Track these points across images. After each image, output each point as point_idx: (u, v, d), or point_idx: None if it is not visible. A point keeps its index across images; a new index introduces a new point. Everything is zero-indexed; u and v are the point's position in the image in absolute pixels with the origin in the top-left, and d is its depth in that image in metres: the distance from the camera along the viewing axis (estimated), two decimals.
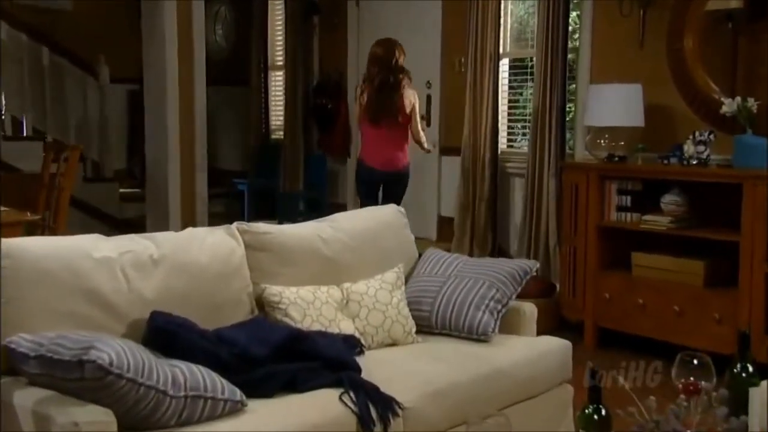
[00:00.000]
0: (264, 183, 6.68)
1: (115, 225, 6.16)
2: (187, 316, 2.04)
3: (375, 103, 4.43)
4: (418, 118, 4.52)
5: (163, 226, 5.24)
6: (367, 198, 4.55)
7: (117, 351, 1.64)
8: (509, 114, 5.24)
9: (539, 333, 2.76)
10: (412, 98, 4.45)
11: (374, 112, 4.44)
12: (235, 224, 2.42)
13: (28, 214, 3.29)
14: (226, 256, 2.28)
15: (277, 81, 7.01)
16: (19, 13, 6.07)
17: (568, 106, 4.60)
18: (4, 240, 1.85)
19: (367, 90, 4.48)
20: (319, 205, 6.28)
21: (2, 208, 3.33)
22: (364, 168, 4.57)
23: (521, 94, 5.34)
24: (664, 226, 3.64)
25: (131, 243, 2.10)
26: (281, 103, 6.81)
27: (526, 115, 5.17)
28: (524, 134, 5.22)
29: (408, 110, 4.44)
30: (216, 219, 5.63)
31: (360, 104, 4.53)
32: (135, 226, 5.88)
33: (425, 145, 4.63)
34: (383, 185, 4.54)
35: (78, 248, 1.96)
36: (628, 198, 3.82)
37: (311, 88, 6.54)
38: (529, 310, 2.74)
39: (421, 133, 4.55)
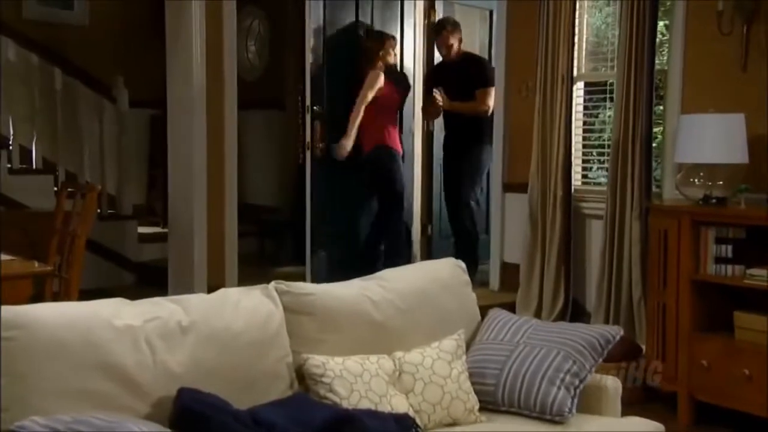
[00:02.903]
0: (302, 221, 6.72)
1: (132, 269, 6.28)
2: (219, 391, 2.06)
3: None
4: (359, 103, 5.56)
5: (187, 269, 5.32)
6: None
7: None
8: (583, 139, 5.22)
9: (624, 406, 2.71)
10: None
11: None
12: (272, 284, 2.44)
13: (36, 264, 3.37)
14: (263, 322, 2.31)
15: None
16: (29, 30, 6.27)
17: (653, 132, 4.57)
18: (14, 308, 1.90)
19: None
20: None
21: (5, 257, 3.41)
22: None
23: (597, 116, 5.32)
24: None
25: (157, 308, 2.13)
26: None
27: (603, 142, 5.14)
28: (600, 163, 5.19)
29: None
30: (247, 261, 5.72)
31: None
32: (155, 269, 6.00)
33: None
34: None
35: (97, 316, 2.00)
36: (729, 248, 3.74)
37: None
38: (612, 385, 2.70)
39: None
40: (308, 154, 5.61)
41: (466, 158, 5.78)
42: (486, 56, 6.57)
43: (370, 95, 5.55)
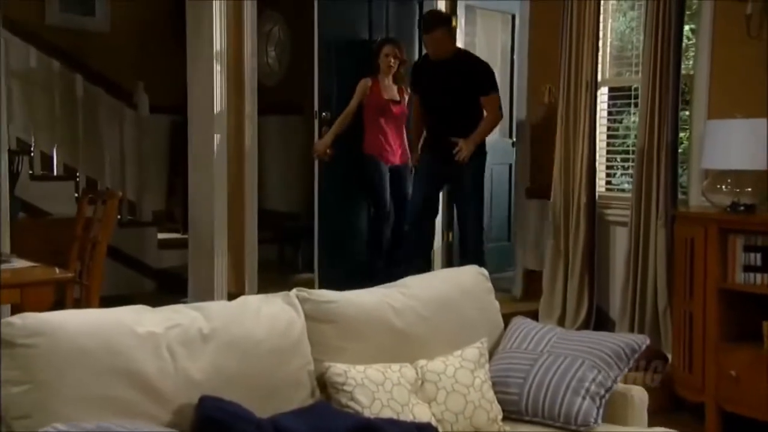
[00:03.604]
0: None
1: (152, 275, 6.32)
2: (240, 399, 2.06)
3: None
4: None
5: (207, 276, 5.35)
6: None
7: None
8: (607, 145, 5.20)
9: (650, 415, 2.70)
10: None
11: None
12: (294, 291, 2.45)
13: (57, 270, 3.41)
14: (285, 329, 2.31)
15: None
16: (51, 36, 6.35)
17: (679, 138, 4.54)
18: (37, 315, 1.92)
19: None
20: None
21: (28, 264, 3.46)
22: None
23: (621, 122, 5.30)
24: None
25: (178, 315, 2.15)
26: None
27: (627, 147, 5.13)
28: (624, 169, 5.17)
29: None
30: (266, 267, 5.74)
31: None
32: (174, 276, 6.04)
33: None
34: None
35: (120, 323, 2.01)
36: (758, 256, 3.69)
37: None
38: (639, 395, 2.68)
39: None
40: (316, 159, 5.61)
41: (465, 174, 5.14)
42: (508, 61, 6.57)
43: (354, 103, 5.47)
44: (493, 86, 5.17)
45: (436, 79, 5.13)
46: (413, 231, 5.39)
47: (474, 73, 5.10)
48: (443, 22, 5.12)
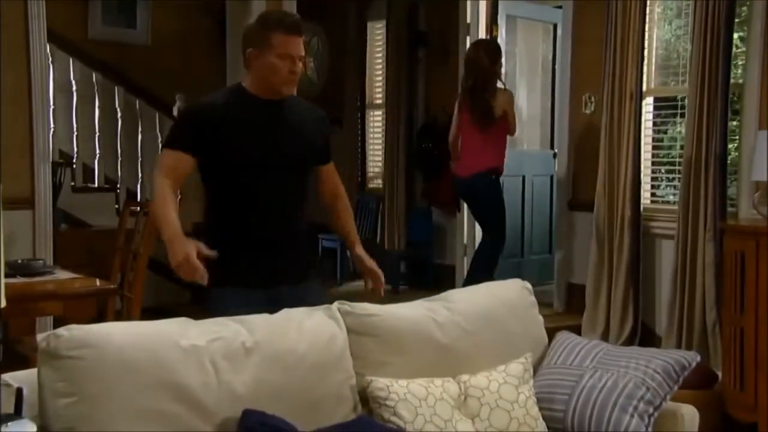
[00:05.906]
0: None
1: (190, 286, 6.36)
2: (283, 413, 2.07)
3: (471, 109, 5.18)
4: (514, 122, 5.23)
5: None
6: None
7: None
8: (652, 156, 5.13)
9: None
10: (501, 102, 5.12)
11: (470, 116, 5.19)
12: (335, 304, 2.45)
13: (98, 282, 3.46)
14: (327, 343, 2.31)
15: (375, 121, 7.15)
16: (93, 49, 6.47)
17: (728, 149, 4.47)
18: (84, 327, 1.94)
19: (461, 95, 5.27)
20: (424, 267, 6.31)
21: (69, 275, 3.52)
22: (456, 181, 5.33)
23: (665, 132, 5.23)
24: None
25: (221, 328, 2.16)
26: (380, 147, 6.93)
27: (672, 159, 5.06)
28: (669, 181, 5.11)
29: (498, 114, 5.10)
30: None
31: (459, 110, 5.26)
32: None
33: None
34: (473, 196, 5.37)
35: (164, 336, 2.03)
36: None
37: (415, 130, 6.63)
38: (689, 414, 2.63)
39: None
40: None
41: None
42: (550, 71, 6.53)
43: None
44: (330, 149, 3.04)
45: (267, 132, 2.78)
46: None
47: (322, 128, 2.97)
48: (300, 29, 2.76)
